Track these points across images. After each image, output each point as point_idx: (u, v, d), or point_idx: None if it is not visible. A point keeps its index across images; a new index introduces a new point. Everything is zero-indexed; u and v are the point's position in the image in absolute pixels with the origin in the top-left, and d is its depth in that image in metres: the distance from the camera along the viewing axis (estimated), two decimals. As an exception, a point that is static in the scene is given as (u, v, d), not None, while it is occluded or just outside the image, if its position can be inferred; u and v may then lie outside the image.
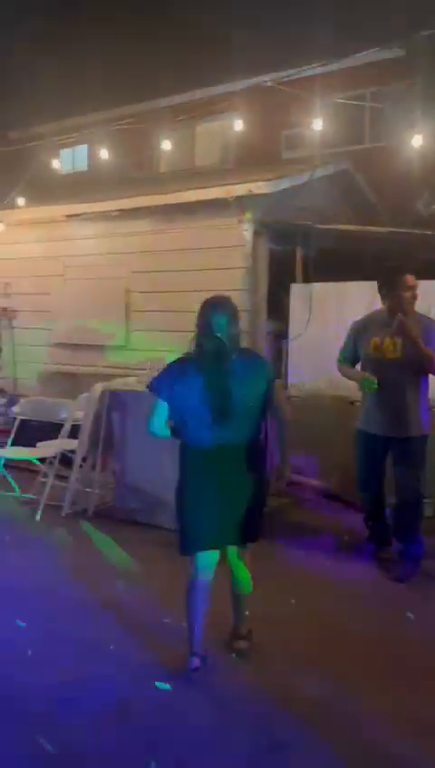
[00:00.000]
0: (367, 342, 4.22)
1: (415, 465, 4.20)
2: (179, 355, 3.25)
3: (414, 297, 4.16)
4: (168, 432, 3.19)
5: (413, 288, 4.15)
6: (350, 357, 4.41)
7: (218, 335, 3.07)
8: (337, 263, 6.43)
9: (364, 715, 2.85)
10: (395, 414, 4.13)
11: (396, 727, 2.78)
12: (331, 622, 3.68)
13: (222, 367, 3.05)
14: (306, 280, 6.43)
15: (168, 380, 3.14)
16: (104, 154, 8.37)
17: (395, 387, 4.11)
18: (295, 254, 6.59)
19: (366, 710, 2.88)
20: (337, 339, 4.58)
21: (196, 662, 3.15)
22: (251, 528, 3.24)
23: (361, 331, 4.33)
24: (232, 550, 3.28)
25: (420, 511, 4.36)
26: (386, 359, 4.13)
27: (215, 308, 3.13)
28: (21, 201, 8.14)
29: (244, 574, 3.29)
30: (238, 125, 7.60)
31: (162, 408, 3.11)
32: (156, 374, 3.25)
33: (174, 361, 3.22)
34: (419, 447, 4.18)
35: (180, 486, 3.23)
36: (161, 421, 3.13)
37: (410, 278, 4.14)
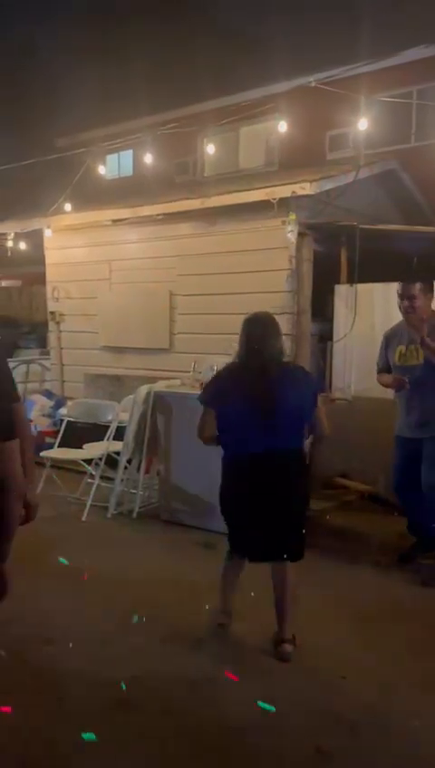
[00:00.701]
0: (393, 351, 4.40)
1: None
2: (223, 365, 3.41)
3: (412, 306, 4.17)
4: (214, 440, 3.31)
5: (404, 297, 4.18)
6: (384, 367, 4.55)
7: (257, 347, 3.20)
8: (383, 263, 6.35)
9: (415, 720, 2.80)
10: (422, 416, 4.23)
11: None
12: (374, 627, 3.64)
13: (265, 375, 3.15)
14: (351, 281, 6.37)
15: (214, 391, 3.31)
16: (149, 159, 8.44)
17: (420, 391, 4.21)
18: (340, 256, 6.54)
19: (416, 715, 2.83)
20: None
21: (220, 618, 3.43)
22: (291, 543, 3.28)
23: (389, 341, 4.49)
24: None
25: None
26: (409, 365, 4.28)
27: (254, 323, 3.29)
28: (68, 207, 8.27)
29: (284, 584, 3.30)
30: (282, 127, 7.55)
31: (211, 418, 3.25)
32: (204, 387, 3.45)
33: (219, 373, 3.40)
34: None
35: (223, 493, 3.36)
36: (211, 429, 3.26)
37: (404, 286, 4.22)
